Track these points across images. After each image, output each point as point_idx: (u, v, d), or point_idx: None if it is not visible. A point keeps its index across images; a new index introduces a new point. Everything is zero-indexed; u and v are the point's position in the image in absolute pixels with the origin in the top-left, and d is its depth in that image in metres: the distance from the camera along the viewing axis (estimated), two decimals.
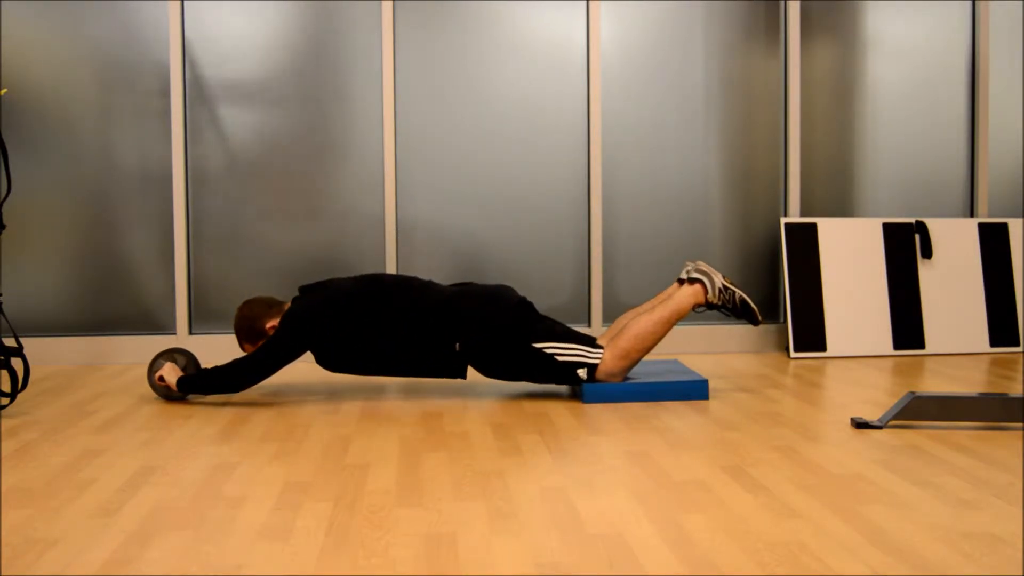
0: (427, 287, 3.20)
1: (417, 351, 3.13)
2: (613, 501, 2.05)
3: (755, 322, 3.22)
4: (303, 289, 3.23)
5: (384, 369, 3.17)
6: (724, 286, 3.20)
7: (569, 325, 4.14)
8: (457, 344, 3.11)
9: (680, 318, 3.19)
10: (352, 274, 4.10)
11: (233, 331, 3.25)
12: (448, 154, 4.16)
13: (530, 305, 3.20)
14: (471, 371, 3.64)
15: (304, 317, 3.11)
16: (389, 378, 3.63)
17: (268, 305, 3.24)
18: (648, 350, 3.15)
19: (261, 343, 3.19)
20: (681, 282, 3.24)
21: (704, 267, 3.23)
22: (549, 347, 3.11)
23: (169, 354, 3.21)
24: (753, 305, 3.21)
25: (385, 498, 2.09)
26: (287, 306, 3.23)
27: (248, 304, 3.25)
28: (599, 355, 3.11)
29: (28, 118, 4.01)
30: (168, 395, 3.19)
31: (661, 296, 3.34)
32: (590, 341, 3.15)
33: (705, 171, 4.27)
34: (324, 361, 3.17)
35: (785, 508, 2.00)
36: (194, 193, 4.08)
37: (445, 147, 4.16)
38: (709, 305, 3.21)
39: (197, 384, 3.10)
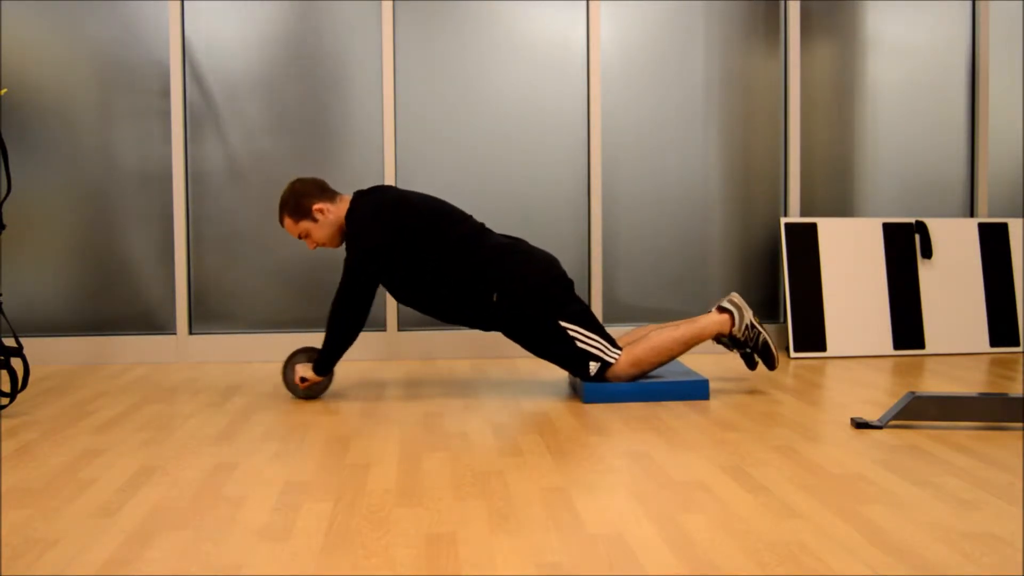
0: (481, 229, 3.19)
1: (457, 291, 3.11)
2: (613, 501, 2.05)
3: (771, 366, 3.22)
4: (359, 193, 3.18)
5: (424, 303, 3.15)
6: (751, 323, 3.20)
7: None
8: (495, 295, 3.11)
9: (700, 342, 3.20)
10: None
11: (278, 206, 3.20)
12: (448, 154, 4.16)
13: (571, 283, 3.21)
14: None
15: (378, 215, 3.06)
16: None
17: (321, 188, 3.19)
18: (660, 365, 3.17)
19: (303, 223, 3.15)
20: (721, 310, 3.24)
21: (737, 300, 3.23)
22: (574, 330, 3.11)
23: (292, 359, 3.23)
24: (774, 350, 3.21)
25: (385, 498, 2.09)
26: (340, 199, 3.19)
27: (301, 180, 3.20)
28: (616, 355, 3.11)
29: (28, 118, 4.01)
30: (310, 393, 3.20)
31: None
32: (613, 340, 3.15)
33: (705, 171, 4.27)
34: (393, 278, 3.12)
35: (785, 508, 1.99)
36: (194, 193, 4.08)
37: (445, 147, 4.16)
38: (732, 338, 3.21)
39: (330, 357, 3.10)
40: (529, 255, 3.17)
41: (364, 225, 3.07)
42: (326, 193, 3.19)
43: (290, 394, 3.28)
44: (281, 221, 3.21)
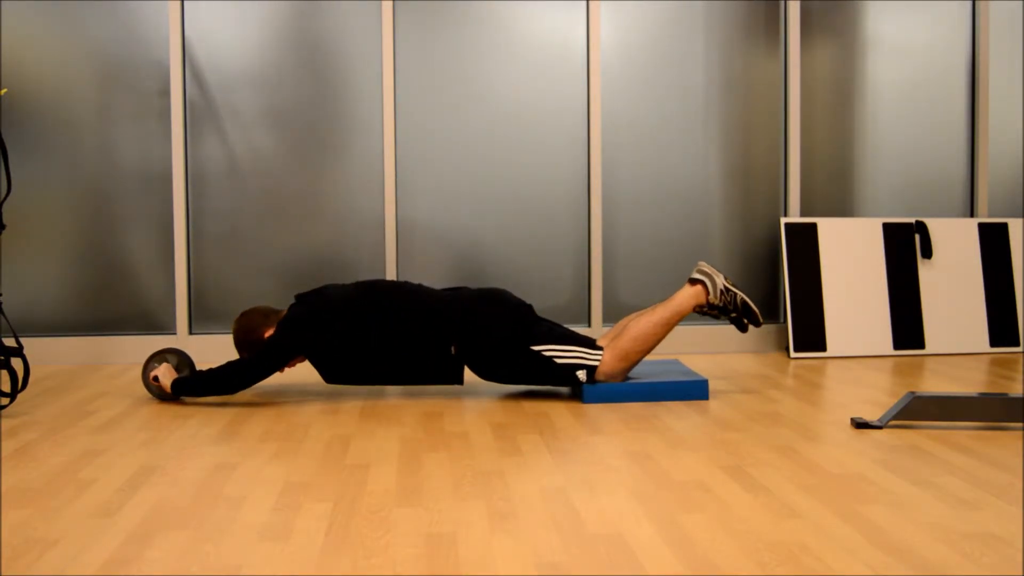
0: (420, 291, 3.19)
1: (413, 356, 3.12)
2: (613, 501, 2.05)
3: (756, 323, 3.21)
4: (299, 297, 3.23)
5: (381, 377, 3.17)
6: (725, 287, 3.19)
7: (569, 326, 4.15)
8: (453, 347, 3.11)
9: (680, 319, 3.18)
10: (352, 276, 4.11)
11: (234, 344, 3.25)
12: (448, 154, 4.16)
13: (528, 307, 3.20)
14: (468, 375, 3.64)
15: (299, 321, 3.11)
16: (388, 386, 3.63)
17: (265, 315, 3.24)
18: (648, 351, 3.15)
19: None
20: (692, 282, 3.23)
21: (706, 268, 3.22)
22: (548, 349, 3.11)
23: (162, 355, 3.22)
24: (754, 306, 3.20)
25: (385, 498, 2.09)
26: (284, 314, 3.23)
27: (246, 315, 3.25)
28: (599, 356, 3.11)
29: (28, 118, 4.01)
30: (162, 395, 3.19)
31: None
32: (590, 343, 3.14)
33: (705, 171, 4.27)
34: (323, 370, 3.17)
35: (785, 508, 2.00)
36: (194, 193, 4.08)
37: (445, 147, 4.16)
38: (710, 306, 3.20)
39: (191, 386, 3.10)
40: (475, 299, 3.16)
41: (285, 325, 3.12)
42: (270, 318, 3.24)
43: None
44: (240, 356, 3.24)
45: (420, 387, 3.43)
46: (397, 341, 3.11)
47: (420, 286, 3.24)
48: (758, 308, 4.31)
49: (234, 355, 4.04)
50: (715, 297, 3.19)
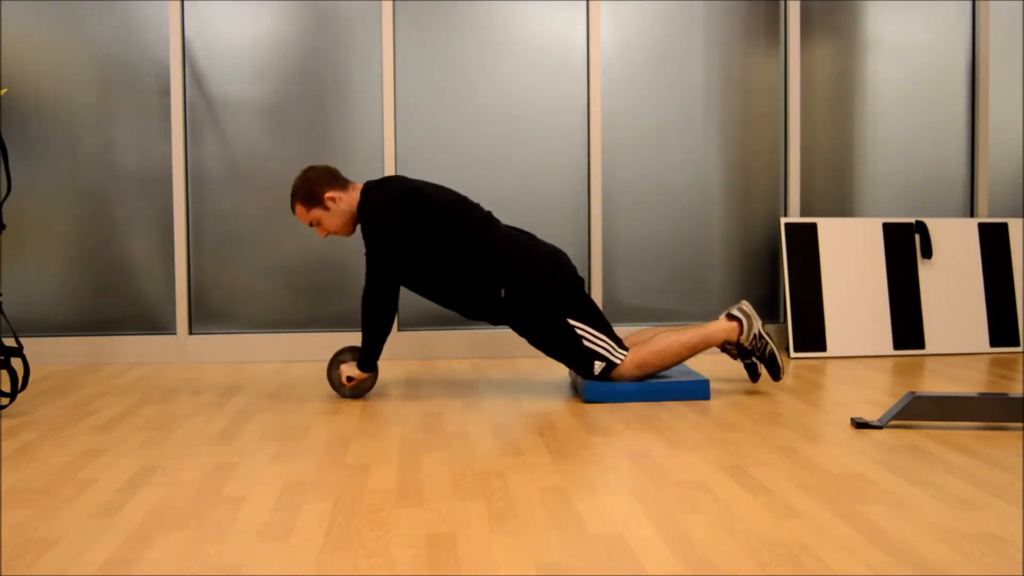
0: (489, 221, 3.17)
1: (465, 284, 3.12)
2: (613, 501, 2.05)
3: (776, 377, 3.22)
4: (370, 183, 3.18)
5: (432, 292, 3.15)
6: (760, 333, 3.20)
7: None
8: (502, 291, 3.11)
9: (706, 347, 3.19)
10: (352, 275, 4.10)
11: (290, 194, 3.21)
12: (448, 154, 4.16)
13: (581, 281, 3.20)
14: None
15: (395, 201, 3.06)
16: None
17: (332, 175, 3.19)
18: (665, 368, 3.17)
19: (315, 211, 3.16)
20: (730, 317, 3.23)
21: (747, 309, 3.23)
22: (581, 328, 3.11)
23: (340, 356, 3.24)
24: (780, 361, 3.21)
25: (385, 498, 2.09)
26: (351, 187, 3.20)
27: (312, 168, 3.20)
28: (622, 356, 3.11)
29: (28, 118, 4.01)
30: (356, 392, 3.22)
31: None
32: (620, 340, 3.15)
33: (705, 171, 4.27)
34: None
35: (785, 508, 1.99)
36: (194, 193, 4.08)
37: (445, 147, 4.16)
38: (739, 345, 3.21)
39: (371, 353, 3.11)
40: (537, 251, 3.17)
41: (377, 216, 3.07)
42: (337, 181, 3.19)
43: (335, 394, 3.28)
44: (293, 209, 3.21)
45: (420, 385, 3.42)
46: (455, 262, 3.10)
47: (490, 215, 3.21)
48: (757, 309, 4.32)
49: (235, 350, 4.04)
50: (747, 340, 3.20)
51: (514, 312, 3.13)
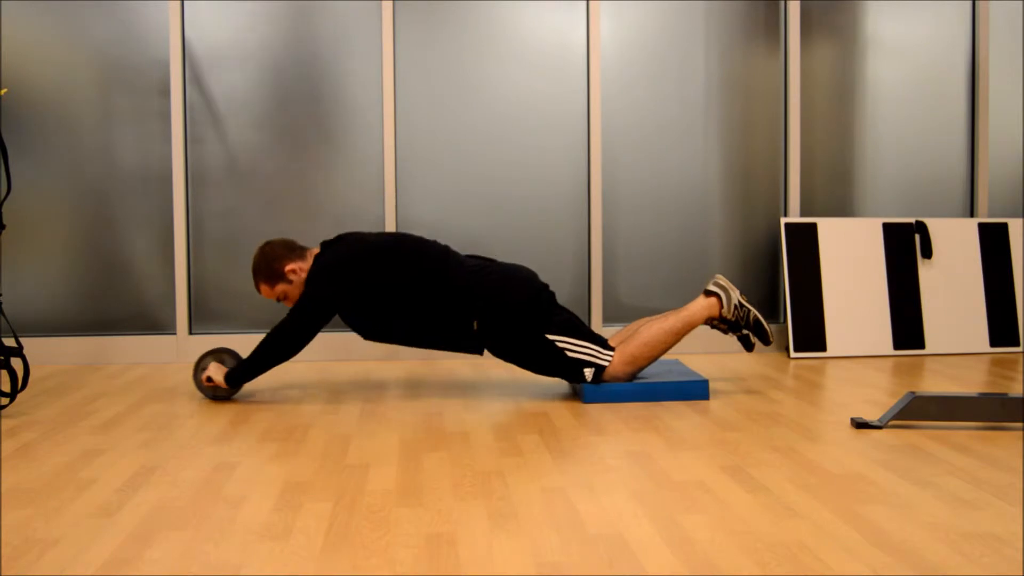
0: (447, 258, 3.17)
1: (435, 324, 3.12)
2: (613, 501, 2.05)
3: (766, 342, 3.22)
4: (325, 244, 3.20)
5: (406, 337, 3.16)
6: (740, 303, 3.20)
7: None
8: (475, 323, 3.11)
9: (691, 329, 3.20)
10: None
11: (252, 272, 3.22)
12: (448, 154, 4.16)
13: (551, 294, 3.20)
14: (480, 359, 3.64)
15: (333, 271, 3.08)
16: (408, 349, 3.62)
17: (289, 248, 3.20)
18: (656, 358, 3.16)
19: (279, 286, 3.18)
20: (707, 294, 3.24)
21: (723, 281, 3.23)
22: (562, 341, 3.11)
23: (214, 354, 3.22)
24: (766, 325, 3.21)
25: (385, 498, 2.09)
26: (308, 253, 3.21)
27: (270, 244, 3.21)
28: (609, 357, 3.11)
29: (28, 118, 4.01)
30: (215, 395, 3.19)
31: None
32: (602, 342, 3.15)
33: (705, 171, 4.27)
34: (355, 323, 3.15)
35: (785, 508, 1.99)
36: (194, 193, 4.08)
37: (445, 147, 4.16)
38: (722, 319, 3.21)
39: (244, 372, 3.10)
40: (502, 275, 3.16)
41: (319, 276, 3.10)
42: (295, 252, 3.21)
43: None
44: (257, 287, 3.23)
45: (421, 386, 3.42)
46: (421, 307, 3.10)
47: (447, 250, 3.21)
48: (762, 312, 4.32)
49: (231, 346, 4.04)
50: (728, 311, 3.20)
51: (492, 340, 3.14)
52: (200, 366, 3.21)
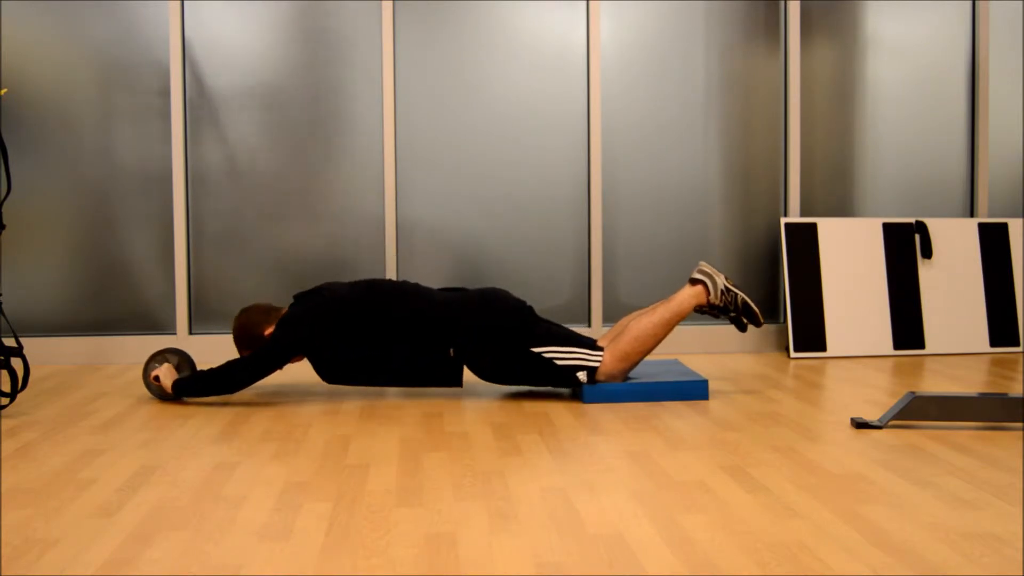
0: (419, 293, 3.18)
1: (410, 359, 3.12)
2: (613, 501, 2.05)
3: (756, 323, 3.22)
4: (298, 296, 3.23)
5: (379, 378, 3.16)
6: (726, 287, 3.20)
7: (569, 326, 4.15)
8: (451, 350, 3.11)
9: (681, 319, 3.19)
10: (351, 276, 4.11)
11: (233, 340, 3.26)
12: (448, 154, 4.16)
13: (529, 308, 3.20)
14: (468, 376, 3.64)
15: (299, 321, 3.11)
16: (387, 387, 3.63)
17: (266, 312, 3.24)
18: (648, 352, 3.15)
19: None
20: (693, 282, 3.24)
21: (707, 268, 3.23)
22: (548, 351, 3.11)
23: (163, 355, 3.22)
24: (754, 306, 3.21)
25: (385, 498, 2.09)
26: (284, 312, 3.23)
27: (246, 311, 3.25)
28: (599, 357, 3.11)
29: (28, 118, 4.01)
30: (162, 395, 3.19)
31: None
32: (590, 343, 3.15)
33: (705, 171, 4.27)
34: (321, 370, 3.16)
35: (785, 508, 2.00)
36: (194, 193, 4.08)
37: (445, 147, 4.16)
38: (711, 306, 3.21)
39: (192, 386, 3.10)
40: (479, 300, 3.16)
41: (286, 324, 3.11)
42: (271, 316, 3.23)
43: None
44: (240, 354, 3.26)
45: (420, 388, 3.42)
46: (395, 343, 3.11)
47: (418, 287, 3.23)
48: (758, 308, 4.32)
49: (235, 351, 4.04)
50: (715, 297, 3.19)
51: (474, 363, 3.13)
52: (149, 366, 3.20)
